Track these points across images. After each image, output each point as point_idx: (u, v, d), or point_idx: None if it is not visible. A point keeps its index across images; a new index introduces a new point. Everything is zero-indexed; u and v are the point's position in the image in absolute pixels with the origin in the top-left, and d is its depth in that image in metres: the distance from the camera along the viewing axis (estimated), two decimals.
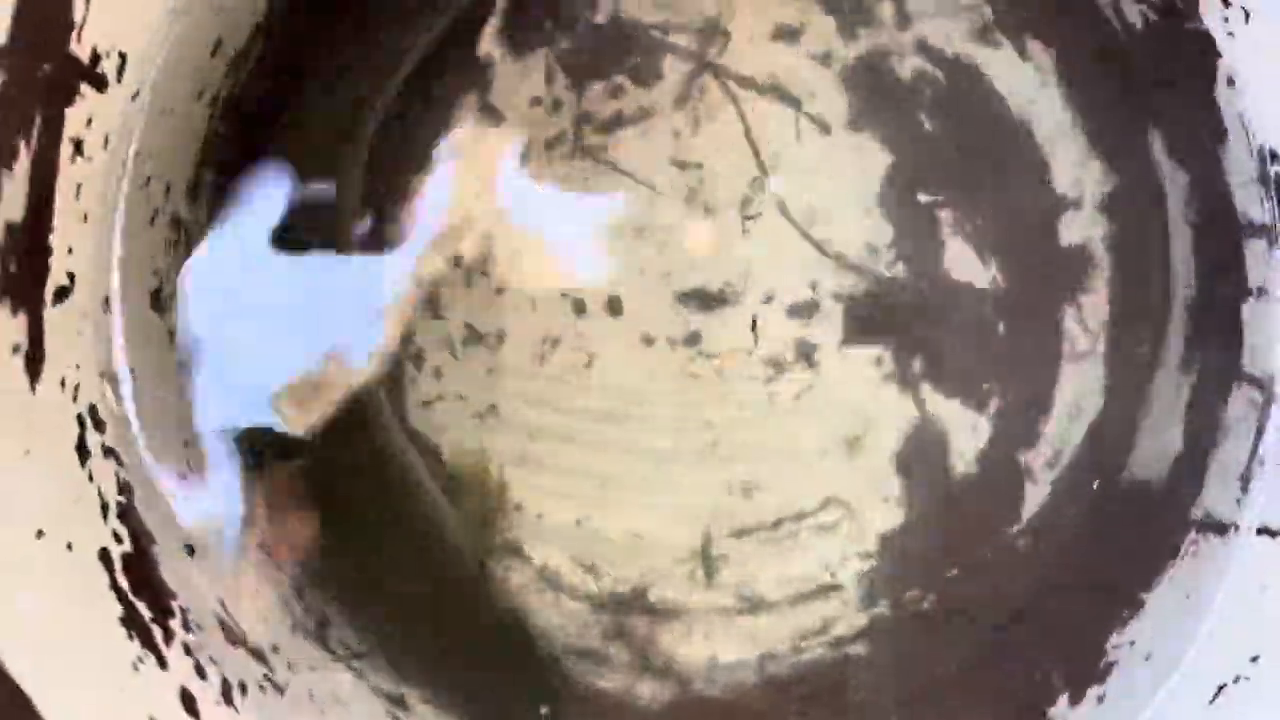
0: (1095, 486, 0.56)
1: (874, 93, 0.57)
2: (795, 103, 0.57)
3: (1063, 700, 0.52)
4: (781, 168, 0.57)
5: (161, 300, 0.45)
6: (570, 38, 0.57)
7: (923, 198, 0.57)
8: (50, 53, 0.34)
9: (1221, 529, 0.51)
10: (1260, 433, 0.51)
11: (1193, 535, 0.52)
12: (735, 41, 0.57)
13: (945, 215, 0.57)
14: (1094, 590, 0.55)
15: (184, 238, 0.48)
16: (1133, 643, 0.52)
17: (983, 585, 0.57)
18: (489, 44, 0.57)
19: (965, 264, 0.57)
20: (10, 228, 0.33)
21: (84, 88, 0.35)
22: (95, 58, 0.36)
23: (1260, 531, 0.49)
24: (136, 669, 0.35)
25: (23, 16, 0.31)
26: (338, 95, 0.55)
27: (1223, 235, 0.54)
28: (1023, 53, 0.57)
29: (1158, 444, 0.55)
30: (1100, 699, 0.51)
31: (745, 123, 0.57)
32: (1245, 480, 0.51)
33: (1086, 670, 0.53)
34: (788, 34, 0.57)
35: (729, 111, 0.57)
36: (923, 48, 0.57)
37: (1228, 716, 0.45)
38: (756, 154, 0.57)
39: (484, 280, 0.57)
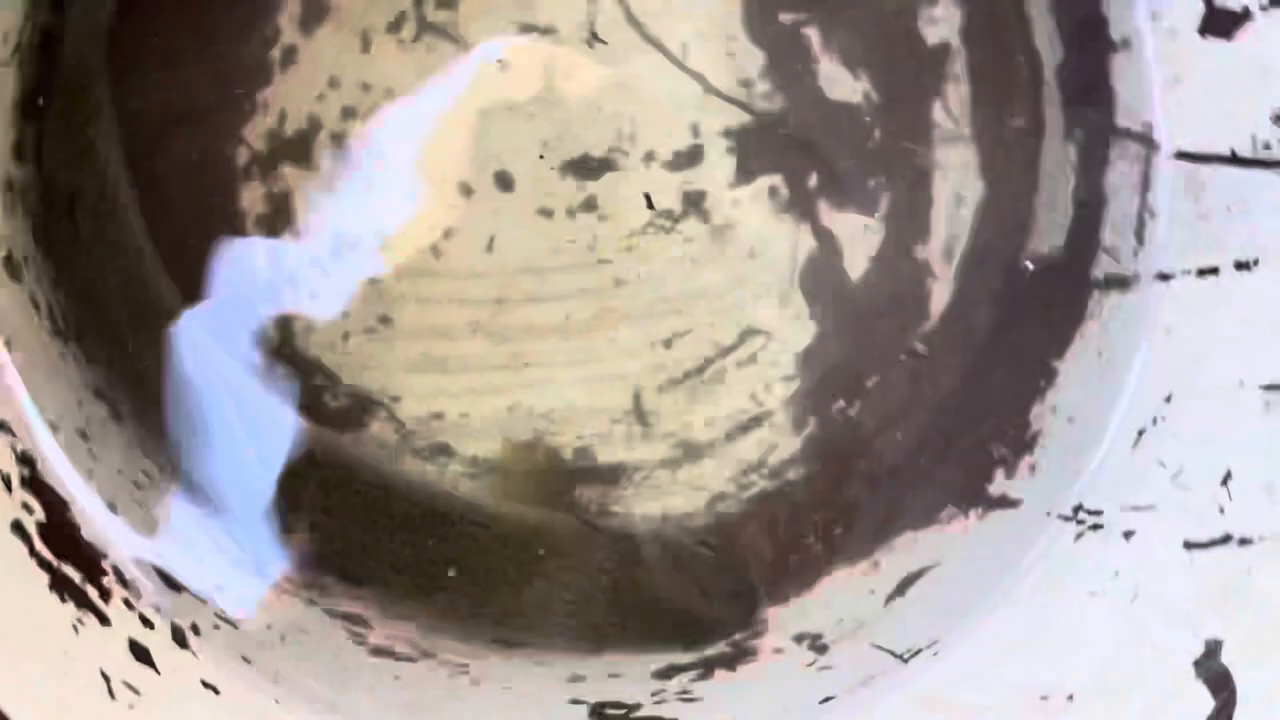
0: (1026, 267, 0.57)
1: None
2: None
3: (999, 474, 0.54)
4: (641, 7, 0.56)
5: (14, 265, 0.43)
6: None
7: (785, 18, 0.57)
8: None
9: (1123, 283, 0.53)
10: (1147, 184, 0.52)
11: (1096, 295, 0.54)
12: None
13: (811, 34, 0.57)
14: (1012, 367, 0.57)
15: (19, 201, 0.46)
16: (1055, 409, 0.54)
17: (904, 385, 0.59)
18: None
19: (838, 79, 0.57)
20: None
21: None
22: None
23: (1159, 278, 0.51)
24: (77, 630, 0.35)
25: None
26: None
27: None
28: None
29: (1053, 215, 0.57)
30: (1033, 468, 0.53)
31: None
32: (1140, 233, 0.52)
33: (1018, 442, 0.55)
34: None
35: None
36: None
37: (1151, 458, 0.47)
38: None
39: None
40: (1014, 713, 0.41)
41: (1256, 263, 0.45)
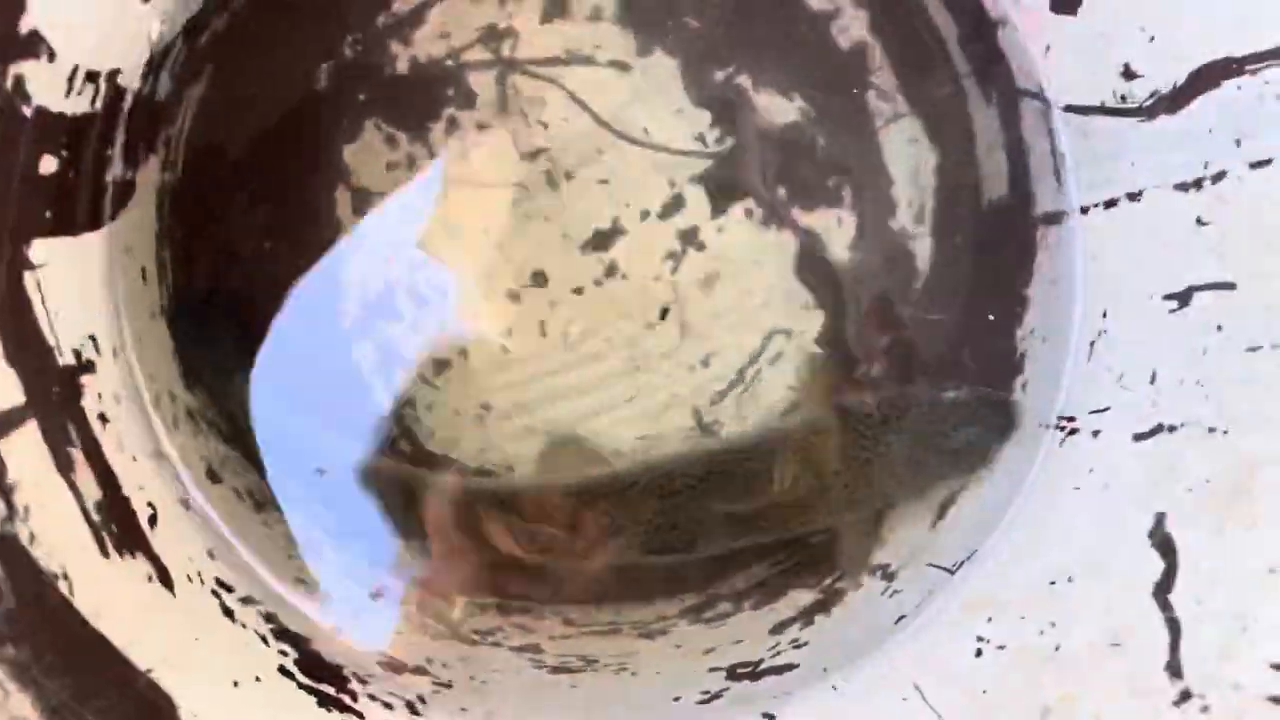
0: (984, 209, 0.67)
1: (644, 22, 0.66)
2: (590, 60, 0.67)
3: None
4: (606, 113, 0.67)
5: (213, 473, 0.57)
6: (384, 99, 0.66)
7: (718, 75, 0.67)
8: None
9: (1056, 218, 0.62)
10: (1052, 134, 0.62)
11: (1040, 230, 0.64)
12: (520, 36, 0.67)
13: (743, 81, 0.67)
14: (994, 301, 0.67)
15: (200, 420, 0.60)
16: (1032, 331, 0.64)
17: (913, 334, 0.69)
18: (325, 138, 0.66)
19: (775, 107, 0.67)
20: None
21: None
22: None
23: (1082, 210, 0.60)
24: None
25: None
26: None
27: None
28: None
29: (994, 167, 0.66)
30: (1024, 386, 0.64)
31: (567, 92, 0.67)
32: (1057, 174, 0.62)
33: (1011, 365, 0.65)
34: (557, 9, 0.66)
35: (543, 92, 0.67)
36: None
37: (1101, 366, 0.57)
38: (587, 110, 0.68)
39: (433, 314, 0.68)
40: (1034, 601, 0.53)
41: (1141, 193, 0.55)
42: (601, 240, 0.68)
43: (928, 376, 0.67)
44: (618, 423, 0.69)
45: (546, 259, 0.67)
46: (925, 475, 0.64)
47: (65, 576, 0.41)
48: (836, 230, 0.68)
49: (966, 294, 0.68)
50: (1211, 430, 0.48)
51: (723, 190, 0.68)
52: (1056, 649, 0.49)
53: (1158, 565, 0.48)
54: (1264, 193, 0.46)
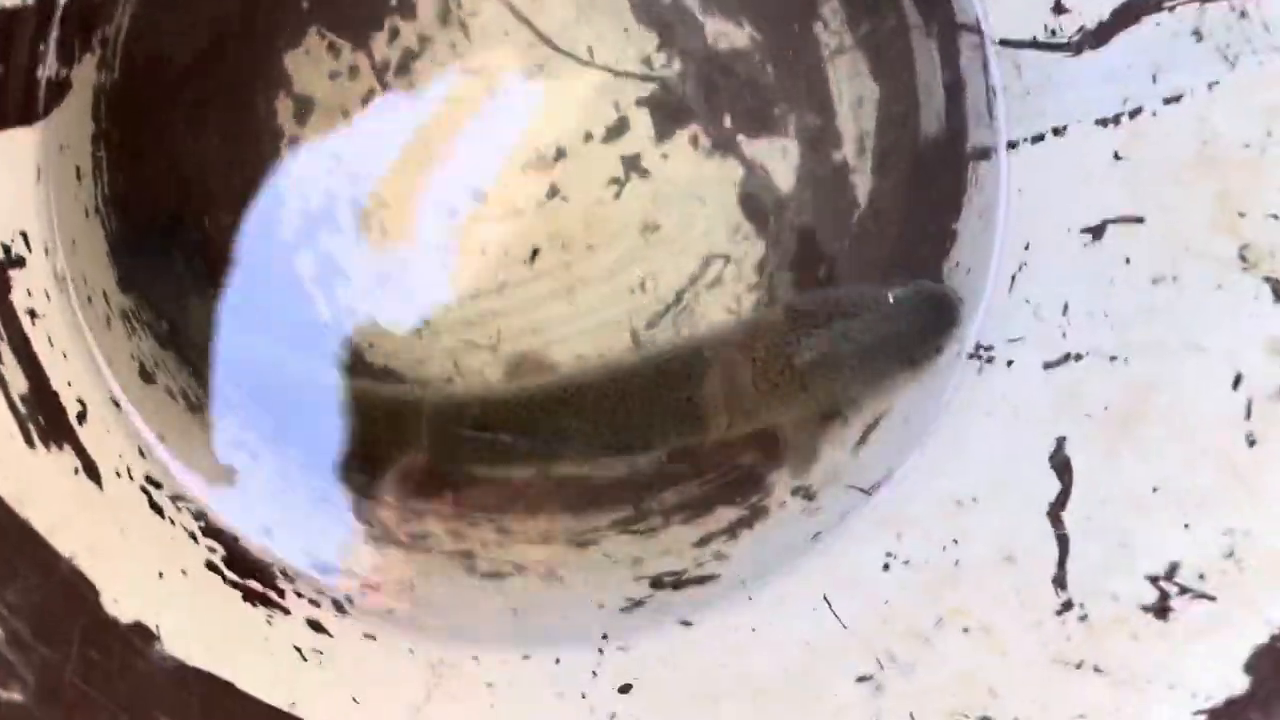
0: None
1: None
2: None
3: None
4: (549, 28, 0.68)
5: (147, 373, 0.58)
6: (327, 7, 0.66)
7: None
8: None
9: (986, 154, 0.64)
10: (986, 68, 0.63)
11: (971, 166, 0.65)
12: None
13: (692, 3, 0.67)
14: (928, 232, 0.68)
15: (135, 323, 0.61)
16: (958, 264, 0.66)
17: (849, 265, 0.70)
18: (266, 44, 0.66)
19: (724, 32, 0.68)
20: None
21: None
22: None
23: (1009, 146, 0.62)
24: (270, 623, 0.51)
25: None
26: None
27: None
28: None
29: (931, 101, 0.67)
30: None
31: (510, 6, 0.67)
32: (990, 110, 0.63)
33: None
34: None
35: (484, 6, 0.67)
36: None
37: (1020, 297, 0.59)
38: (530, 26, 0.68)
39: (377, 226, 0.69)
40: (940, 519, 0.55)
41: (1065, 128, 0.56)
42: (543, 162, 0.68)
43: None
44: (556, 341, 0.70)
45: (487, 178, 0.68)
46: (874, 370, 0.65)
47: None
48: (781, 159, 0.69)
49: (900, 226, 0.70)
50: (1113, 359, 0.50)
51: (669, 115, 0.68)
52: (956, 564, 0.51)
53: (1054, 486, 0.50)
54: (1175, 127, 0.48)
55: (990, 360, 0.60)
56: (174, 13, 0.64)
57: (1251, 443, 0.42)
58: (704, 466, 0.69)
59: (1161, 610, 0.42)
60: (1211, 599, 0.41)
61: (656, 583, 0.65)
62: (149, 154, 0.64)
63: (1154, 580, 0.43)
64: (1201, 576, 0.41)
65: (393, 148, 0.69)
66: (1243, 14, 0.42)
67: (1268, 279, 0.42)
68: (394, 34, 0.67)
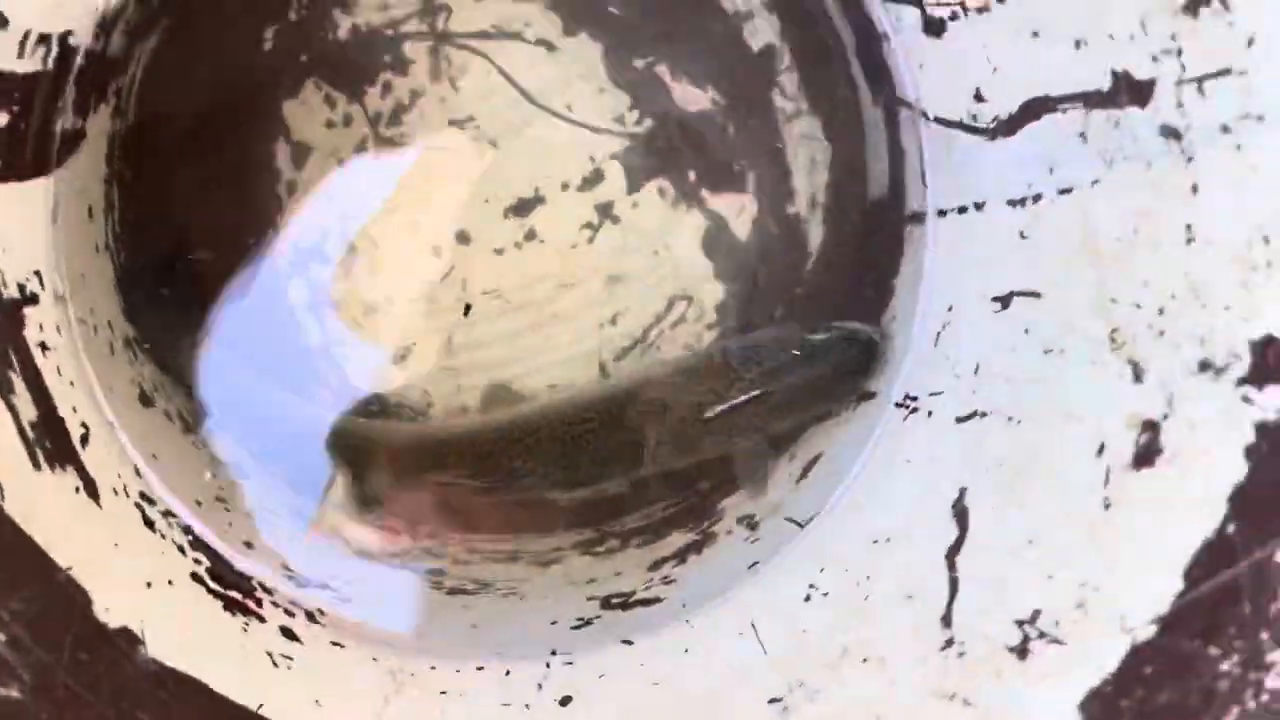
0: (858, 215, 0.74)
1: (571, 6, 0.72)
2: (519, 37, 0.73)
3: None
4: (531, 87, 0.73)
5: (146, 396, 0.64)
6: (325, 62, 0.72)
7: (639, 62, 0.73)
8: None
9: (919, 218, 0.69)
10: (921, 141, 0.68)
11: (907, 228, 0.70)
12: (454, 11, 0.73)
13: (662, 69, 0.73)
14: (866, 285, 0.74)
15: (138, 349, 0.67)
16: (894, 317, 0.71)
17: (799, 307, 0.76)
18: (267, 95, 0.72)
19: (690, 96, 0.74)
20: None
21: None
22: None
23: (940, 214, 0.67)
24: (246, 630, 0.57)
25: None
26: None
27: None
28: None
29: (877, 164, 0.73)
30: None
31: (496, 66, 0.73)
32: (923, 178, 0.69)
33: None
34: None
35: (472, 64, 0.73)
36: None
37: (942, 354, 0.64)
38: (514, 85, 0.74)
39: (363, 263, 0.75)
40: (860, 556, 0.60)
41: (984, 204, 0.61)
42: (523, 207, 0.74)
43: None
44: (530, 372, 0.76)
45: (470, 220, 0.74)
46: (806, 405, 0.70)
47: None
48: (740, 213, 0.74)
49: (845, 277, 0.75)
50: (1010, 419, 0.56)
51: (639, 169, 0.74)
52: (866, 598, 0.57)
53: (954, 532, 0.55)
54: (1066, 216, 0.53)
55: (914, 410, 0.65)
56: (183, 65, 0.70)
57: (1107, 506, 0.47)
58: (664, 491, 0.75)
59: (1022, 651, 0.48)
60: (1062, 644, 0.46)
61: (606, 603, 0.70)
62: (157, 193, 0.71)
63: (1019, 623, 0.48)
64: (1057, 623, 0.46)
65: (383, 190, 0.75)
66: (1116, 124, 0.47)
67: (1130, 361, 0.47)
68: (387, 88, 0.72)
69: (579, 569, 0.74)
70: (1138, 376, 0.47)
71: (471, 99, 0.73)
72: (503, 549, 0.75)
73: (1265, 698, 0.38)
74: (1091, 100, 0.49)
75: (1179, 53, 0.43)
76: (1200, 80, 0.43)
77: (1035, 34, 0.52)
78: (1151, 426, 0.45)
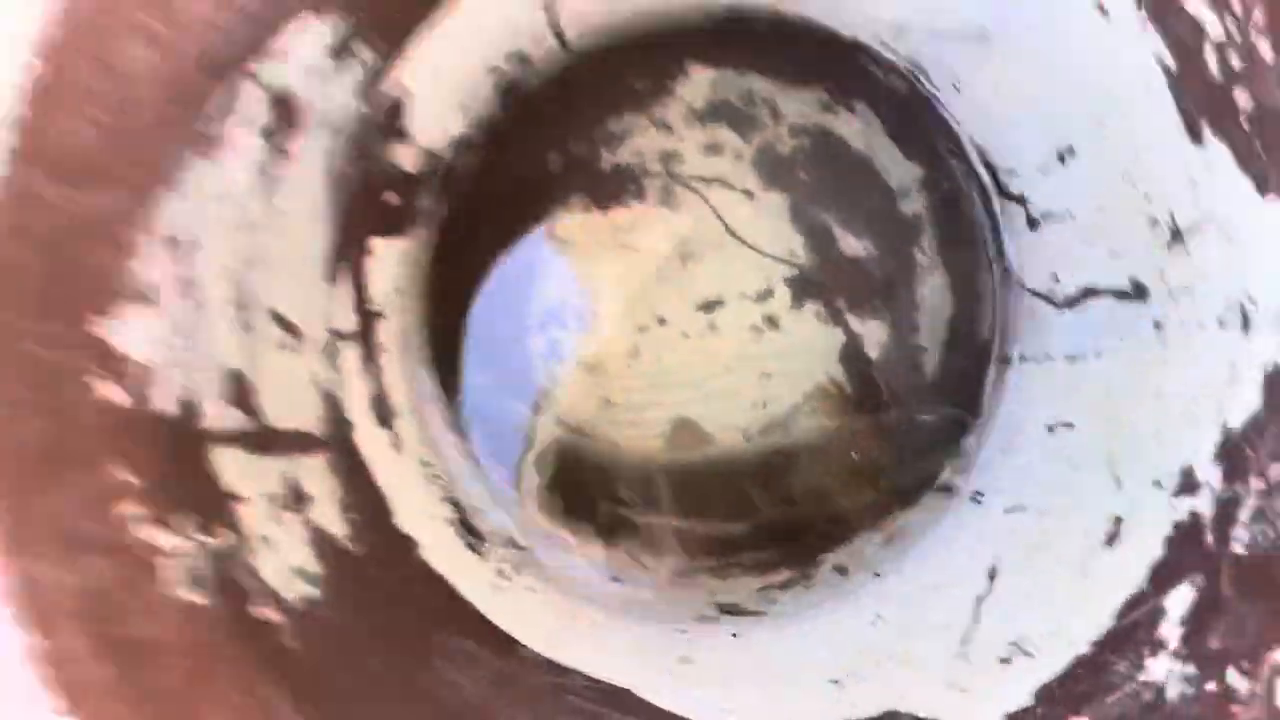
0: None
1: (771, 165, 0.98)
2: (728, 185, 0.99)
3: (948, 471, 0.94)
4: (731, 220, 1.00)
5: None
6: (588, 182, 1.00)
7: (814, 214, 0.99)
8: None
9: (1007, 360, 0.91)
10: (1012, 305, 0.91)
11: (997, 366, 0.93)
12: (685, 160, 1.00)
13: (831, 219, 0.98)
14: (963, 406, 0.96)
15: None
16: (979, 431, 0.93)
17: (919, 424, 0.98)
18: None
19: (850, 245, 0.98)
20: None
21: None
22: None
23: (1020, 359, 0.89)
24: (482, 560, 0.84)
25: None
26: None
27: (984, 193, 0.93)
28: (853, 111, 0.98)
29: (984, 317, 0.96)
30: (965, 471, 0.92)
31: (708, 203, 1.00)
32: (1011, 328, 0.91)
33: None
34: (712, 149, 0.99)
35: (690, 199, 1.00)
36: (792, 129, 0.98)
37: (1015, 450, 0.86)
38: (719, 218, 1.00)
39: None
40: (916, 596, 0.82)
41: (1051, 358, 0.83)
42: (709, 306, 1.00)
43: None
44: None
45: (668, 310, 1.00)
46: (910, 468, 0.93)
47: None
48: (875, 335, 0.98)
49: (951, 399, 0.98)
50: (1041, 513, 0.77)
51: (805, 294, 0.99)
52: (912, 624, 0.78)
53: (985, 586, 0.76)
54: (1094, 370, 0.75)
55: (980, 502, 0.87)
56: (495, 170, 1.00)
57: (1084, 575, 0.68)
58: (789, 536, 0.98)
59: (1005, 660, 0.69)
60: (1031, 656, 0.67)
61: (723, 609, 0.93)
62: (458, 256, 1.00)
63: (1010, 644, 0.69)
64: (1033, 644, 0.67)
65: (612, 278, 1.02)
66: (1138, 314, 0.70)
67: (1114, 475, 0.69)
68: (628, 207, 1.00)
69: (710, 585, 0.97)
70: (1119, 485, 0.68)
71: (686, 223, 1.00)
72: (665, 565, 0.99)
73: (1150, 696, 0.58)
74: (1119, 294, 0.71)
75: (1162, 272, 0.65)
76: (1175, 290, 0.65)
77: (1089, 243, 0.74)
78: (1119, 520, 0.67)
